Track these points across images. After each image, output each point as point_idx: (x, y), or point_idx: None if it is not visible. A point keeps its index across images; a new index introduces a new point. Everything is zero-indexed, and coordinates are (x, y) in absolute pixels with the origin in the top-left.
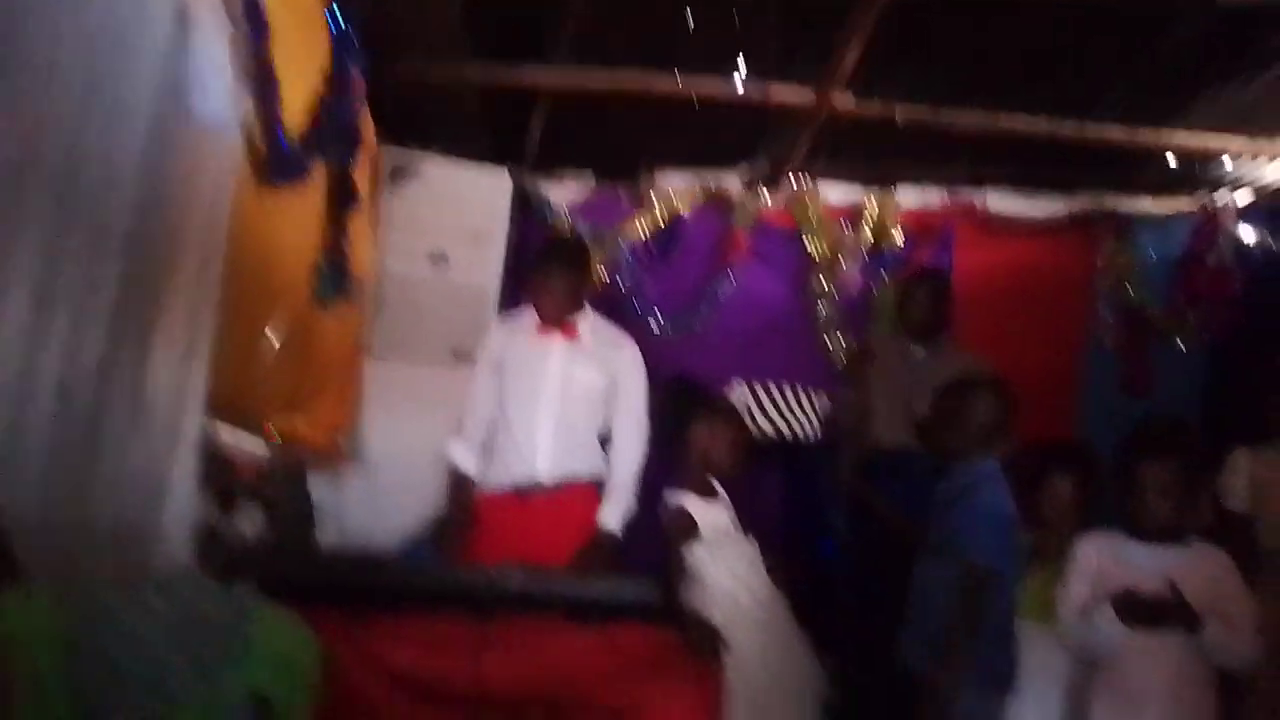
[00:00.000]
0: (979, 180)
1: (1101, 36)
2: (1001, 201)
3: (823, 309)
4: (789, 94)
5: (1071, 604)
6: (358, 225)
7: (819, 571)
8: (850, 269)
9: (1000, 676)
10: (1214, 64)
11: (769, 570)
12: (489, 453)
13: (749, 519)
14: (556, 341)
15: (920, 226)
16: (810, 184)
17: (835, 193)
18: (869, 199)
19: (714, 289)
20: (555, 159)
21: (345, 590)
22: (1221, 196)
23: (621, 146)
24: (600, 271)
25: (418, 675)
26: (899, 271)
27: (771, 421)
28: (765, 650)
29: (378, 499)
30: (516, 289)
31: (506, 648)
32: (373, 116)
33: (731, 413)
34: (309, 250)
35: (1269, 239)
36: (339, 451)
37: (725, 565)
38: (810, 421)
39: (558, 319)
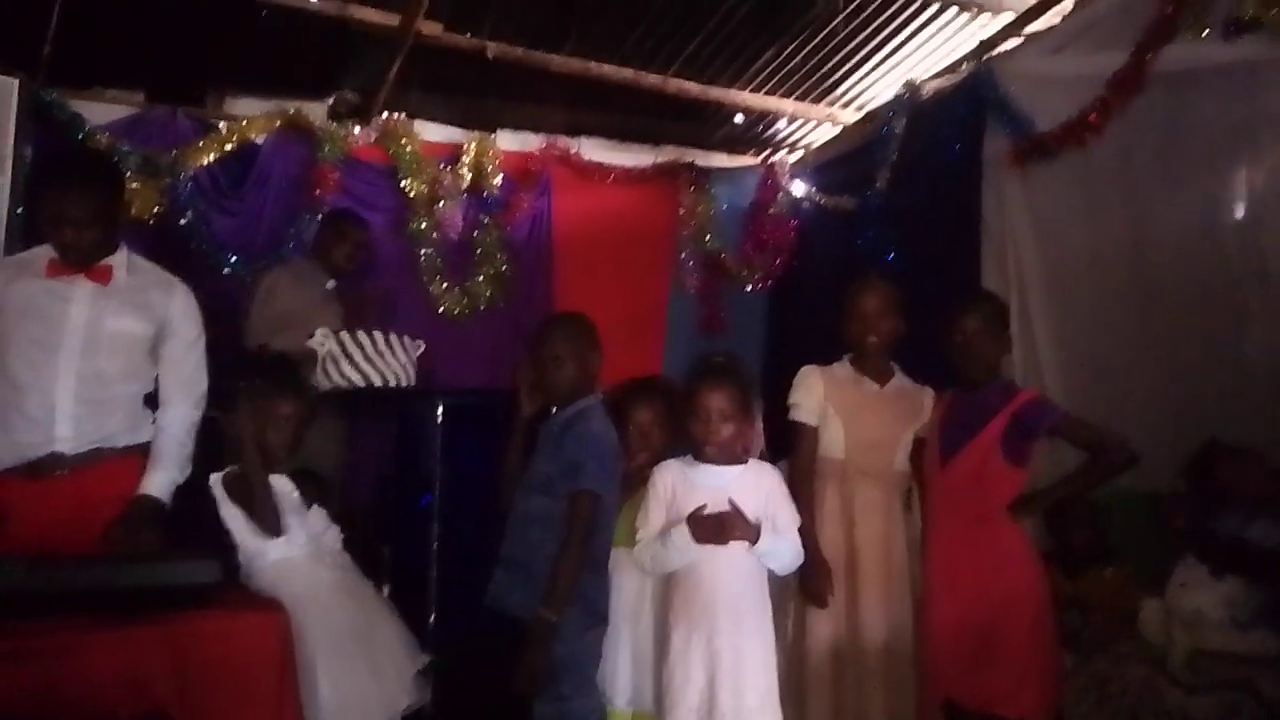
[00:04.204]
0: (575, 129)
1: None
2: (595, 149)
3: (424, 253)
4: (371, 15)
5: (651, 528)
6: None
7: (415, 525)
8: (451, 211)
9: (598, 610)
10: (770, 26)
11: (346, 537)
12: None
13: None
14: (81, 285)
15: (519, 170)
16: (405, 120)
17: (432, 132)
18: (467, 141)
19: (299, 228)
20: (99, 76)
21: None
22: (779, 154)
23: (184, 68)
24: (155, 200)
25: None
26: (500, 214)
27: (360, 371)
28: (344, 625)
29: None
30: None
31: (8, 662)
32: None
33: (285, 392)
34: None
35: (814, 194)
36: None
37: (287, 538)
38: (405, 370)
39: (81, 258)
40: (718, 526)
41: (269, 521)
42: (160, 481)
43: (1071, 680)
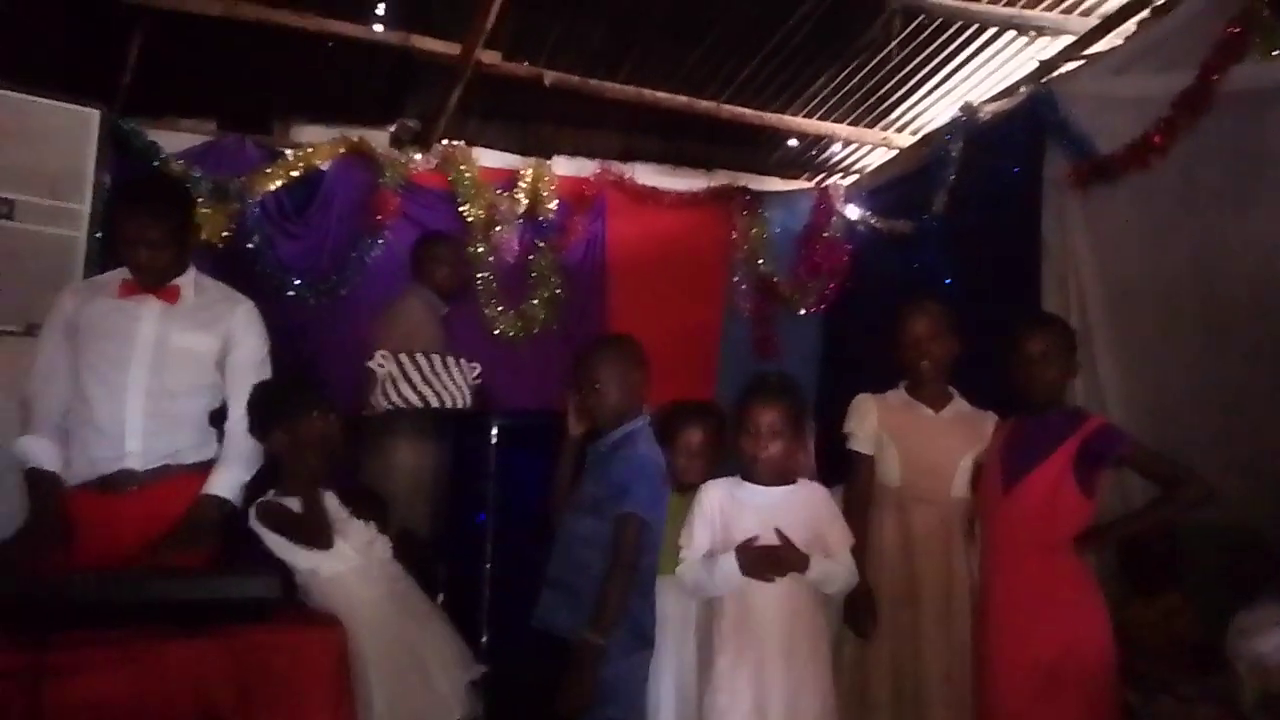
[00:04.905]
0: (629, 154)
1: (732, 15)
2: (649, 174)
3: (481, 277)
4: (433, 45)
5: (695, 548)
6: None
7: (470, 544)
8: (507, 235)
9: (645, 633)
10: (824, 52)
11: (396, 547)
12: (70, 440)
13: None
14: (150, 304)
15: (574, 195)
16: (464, 147)
17: (490, 158)
18: (524, 167)
19: (361, 252)
20: (173, 106)
21: None
22: (833, 178)
23: (253, 96)
24: (224, 224)
25: None
26: (555, 239)
27: (418, 392)
28: (396, 637)
29: None
30: (113, 247)
31: (80, 671)
32: None
33: (322, 412)
34: None
35: (869, 218)
36: None
37: (334, 553)
38: (460, 391)
39: (154, 278)
40: (767, 561)
41: (319, 535)
42: (224, 480)
43: None
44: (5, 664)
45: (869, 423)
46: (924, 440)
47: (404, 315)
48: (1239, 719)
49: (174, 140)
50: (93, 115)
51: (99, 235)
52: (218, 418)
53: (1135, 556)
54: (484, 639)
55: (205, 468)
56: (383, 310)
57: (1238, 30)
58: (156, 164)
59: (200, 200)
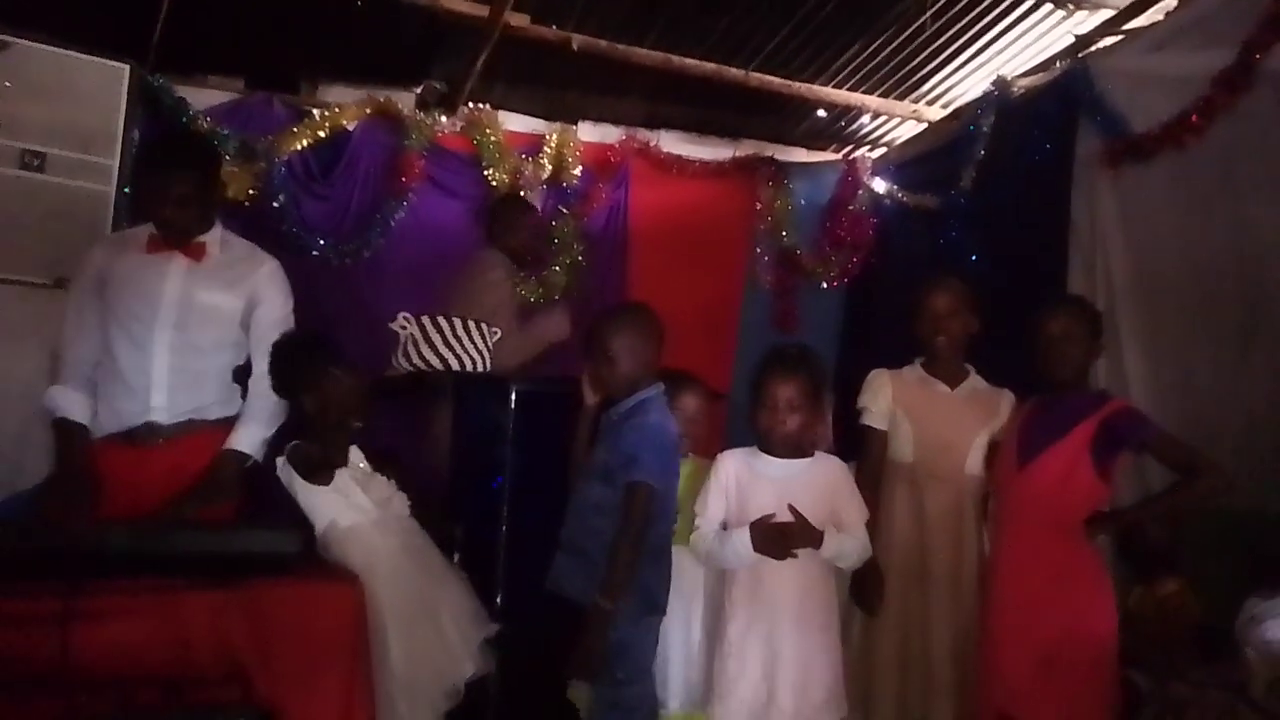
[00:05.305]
0: (654, 121)
1: None
2: (674, 142)
3: None
4: (461, 6)
5: (709, 518)
6: None
7: (486, 507)
8: (531, 200)
9: (655, 600)
10: (855, 21)
11: (414, 506)
12: (98, 392)
13: (417, 452)
14: (177, 260)
15: (599, 162)
16: (490, 111)
17: (515, 122)
18: (549, 132)
19: (385, 213)
20: (202, 64)
21: None
22: (861, 150)
23: (281, 56)
24: (250, 182)
25: None
26: (578, 205)
27: (439, 355)
28: (412, 590)
29: None
30: (140, 203)
31: (105, 618)
32: None
33: (334, 365)
34: None
35: (896, 191)
36: None
37: (354, 505)
38: (481, 355)
39: (179, 235)
40: (780, 539)
41: (332, 457)
42: (247, 436)
43: (1149, 706)
44: (34, 608)
45: (883, 398)
46: (938, 417)
47: (490, 289)
48: (1250, 705)
49: (202, 97)
50: (123, 71)
51: (127, 190)
52: (242, 374)
53: (1132, 543)
54: (498, 599)
55: (229, 423)
56: (461, 274)
57: None
58: (185, 120)
59: (227, 158)
